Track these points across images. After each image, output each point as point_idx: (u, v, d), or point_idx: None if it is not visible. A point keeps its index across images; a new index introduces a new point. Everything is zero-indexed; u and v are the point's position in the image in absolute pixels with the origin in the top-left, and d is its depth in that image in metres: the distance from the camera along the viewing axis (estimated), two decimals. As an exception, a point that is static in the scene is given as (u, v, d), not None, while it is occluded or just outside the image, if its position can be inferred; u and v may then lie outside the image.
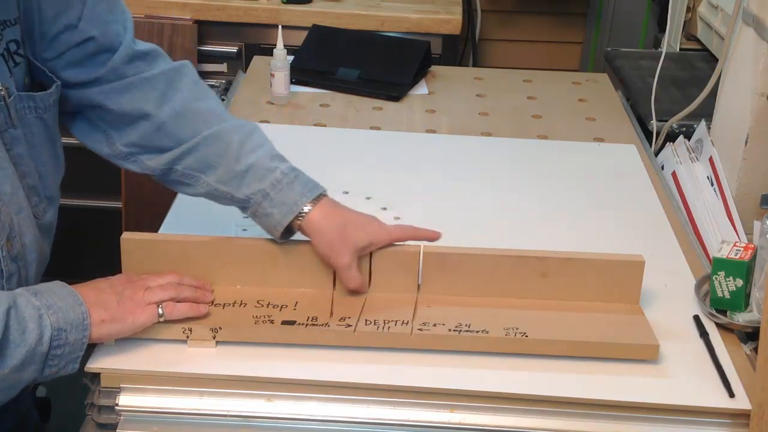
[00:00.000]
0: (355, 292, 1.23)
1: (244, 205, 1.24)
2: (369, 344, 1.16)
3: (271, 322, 1.17)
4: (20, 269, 1.18)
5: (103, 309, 1.10)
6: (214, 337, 1.15)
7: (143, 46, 1.29)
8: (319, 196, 1.22)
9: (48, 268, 1.29)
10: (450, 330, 1.17)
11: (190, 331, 1.15)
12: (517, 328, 1.17)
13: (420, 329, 1.17)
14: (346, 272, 1.21)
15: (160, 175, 1.27)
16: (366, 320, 1.18)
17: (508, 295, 1.24)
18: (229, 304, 1.21)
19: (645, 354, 1.16)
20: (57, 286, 1.10)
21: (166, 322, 1.14)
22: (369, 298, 1.23)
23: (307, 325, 1.17)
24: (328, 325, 1.17)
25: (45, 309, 1.05)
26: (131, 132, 1.25)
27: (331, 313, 1.19)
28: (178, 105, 1.25)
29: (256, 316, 1.18)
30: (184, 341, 1.15)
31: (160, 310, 1.13)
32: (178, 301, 1.15)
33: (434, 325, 1.18)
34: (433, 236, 1.26)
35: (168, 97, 1.25)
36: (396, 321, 1.18)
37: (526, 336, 1.16)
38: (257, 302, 1.21)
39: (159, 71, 1.27)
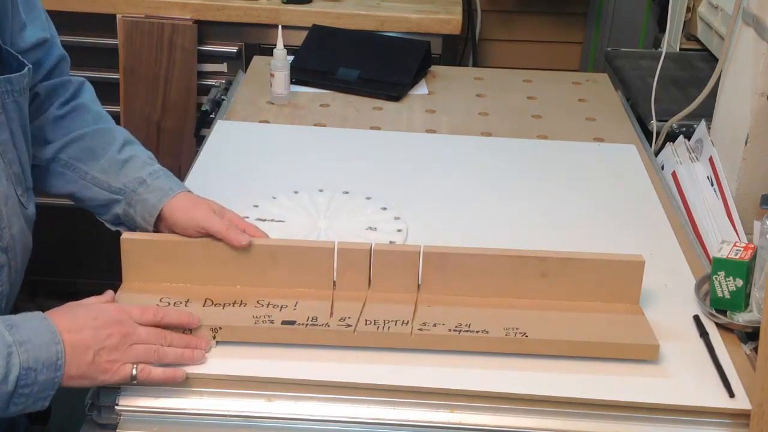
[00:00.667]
0: (236, 244, 1.22)
1: (117, 196, 1.28)
2: (369, 344, 1.16)
3: (271, 322, 1.17)
4: (10, 261, 1.18)
5: (74, 366, 1.04)
6: (214, 337, 1.15)
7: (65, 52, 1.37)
8: (188, 192, 1.30)
9: (48, 268, 1.30)
10: (450, 330, 1.17)
11: (190, 331, 1.15)
12: (517, 329, 1.17)
13: (420, 329, 1.17)
14: (210, 221, 1.22)
15: (44, 166, 1.31)
16: (366, 320, 1.18)
17: (508, 295, 1.24)
18: (229, 304, 1.21)
19: (645, 354, 1.16)
20: (36, 320, 1.05)
21: None
22: (369, 298, 1.23)
23: (307, 325, 1.17)
24: (328, 325, 1.17)
25: (17, 345, 1.01)
26: (30, 128, 1.28)
27: (331, 313, 1.19)
28: (75, 104, 1.34)
29: (256, 316, 1.18)
30: (184, 341, 1.15)
31: (134, 372, 1.07)
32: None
33: (434, 325, 1.18)
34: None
35: (71, 99, 1.34)
36: (396, 321, 1.18)
37: (526, 336, 1.16)
38: (257, 302, 1.21)
39: (74, 78, 1.36)
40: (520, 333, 1.17)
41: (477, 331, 1.17)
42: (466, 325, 1.18)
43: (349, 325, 1.17)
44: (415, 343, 1.16)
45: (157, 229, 1.27)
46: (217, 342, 1.15)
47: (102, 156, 1.30)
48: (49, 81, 1.32)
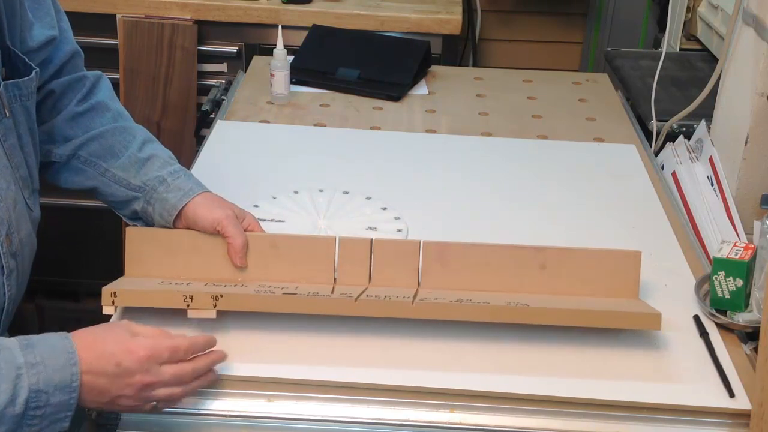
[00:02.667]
0: (237, 262, 1.24)
1: (136, 194, 1.28)
2: (370, 314, 1.16)
3: (272, 293, 1.17)
4: (18, 265, 1.18)
5: (92, 403, 1.03)
6: (214, 306, 1.15)
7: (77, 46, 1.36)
8: (208, 192, 1.30)
9: (48, 268, 1.30)
10: (452, 301, 1.17)
11: (191, 299, 1.14)
12: (518, 302, 1.18)
13: (422, 300, 1.17)
14: (230, 224, 1.23)
15: (63, 162, 1.31)
16: (367, 295, 1.18)
17: (507, 288, 1.25)
18: (231, 285, 1.21)
19: (648, 323, 1.17)
20: (57, 339, 1.02)
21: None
22: (370, 287, 1.23)
23: (308, 294, 1.17)
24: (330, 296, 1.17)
25: (27, 368, 0.98)
26: (46, 125, 1.30)
27: (333, 291, 1.20)
28: (94, 100, 1.33)
29: (257, 290, 1.19)
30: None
31: (155, 402, 1.06)
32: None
33: (435, 299, 1.18)
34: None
35: (90, 95, 1.34)
36: (398, 297, 1.18)
37: (528, 306, 1.16)
38: (259, 285, 1.22)
39: (90, 73, 1.36)
40: (521, 304, 1.17)
41: (478, 302, 1.17)
42: (467, 301, 1.18)
43: (351, 296, 1.17)
44: (417, 312, 1.16)
45: (175, 228, 1.28)
46: (218, 312, 1.15)
47: (122, 154, 1.31)
48: (64, 77, 1.32)
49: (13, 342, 1.00)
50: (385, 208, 1.51)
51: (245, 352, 1.15)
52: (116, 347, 1.03)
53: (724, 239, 1.47)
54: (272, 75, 1.93)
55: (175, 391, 1.06)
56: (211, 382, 1.10)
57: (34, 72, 1.20)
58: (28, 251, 1.21)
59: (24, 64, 1.19)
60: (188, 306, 1.14)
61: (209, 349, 1.09)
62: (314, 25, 2.25)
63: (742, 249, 1.26)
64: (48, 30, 1.25)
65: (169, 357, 1.05)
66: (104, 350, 1.02)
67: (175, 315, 1.16)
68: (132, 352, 1.02)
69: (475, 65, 2.94)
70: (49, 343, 1.01)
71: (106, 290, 1.15)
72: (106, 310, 1.15)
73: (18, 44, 1.20)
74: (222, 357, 1.11)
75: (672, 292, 1.32)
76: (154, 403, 1.06)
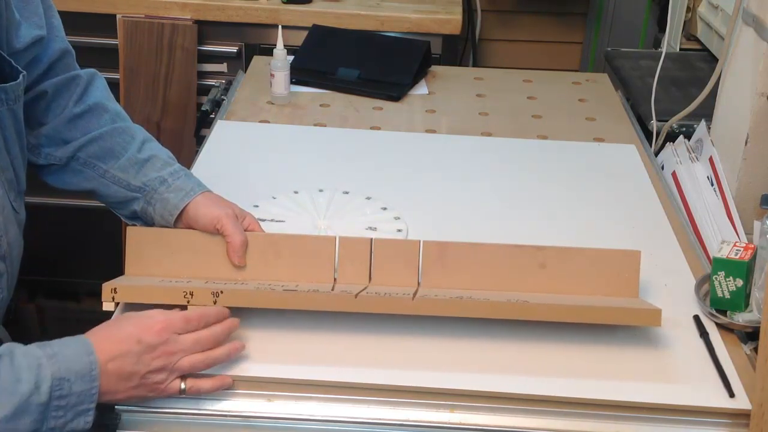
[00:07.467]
0: (235, 261, 1.25)
1: (136, 194, 1.28)
2: (370, 309, 1.17)
3: (273, 289, 1.18)
4: (8, 268, 1.18)
5: (122, 392, 1.05)
6: (214, 302, 1.15)
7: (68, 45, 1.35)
8: (209, 191, 1.30)
9: (48, 268, 1.30)
10: (452, 297, 1.17)
11: (191, 295, 1.14)
12: (518, 299, 1.18)
13: (422, 296, 1.17)
14: (230, 223, 1.23)
15: (62, 164, 1.31)
16: (368, 292, 1.18)
17: (507, 287, 1.25)
18: (231, 283, 1.21)
19: (648, 319, 1.17)
20: (71, 337, 1.04)
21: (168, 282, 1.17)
22: (370, 286, 1.23)
23: (308, 291, 1.17)
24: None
25: (46, 358, 1.00)
26: (44, 127, 1.29)
27: (333, 288, 1.21)
28: (91, 101, 1.32)
29: (258, 287, 1.19)
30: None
31: (183, 386, 1.08)
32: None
33: (436, 296, 1.18)
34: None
35: (85, 95, 1.33)
36: (398, 293, 1.18)
37: (528, 303, 1.17)
38: (259, 283, 1.22)
39: (83, 71, 1.35)
40: (521, 300, 1.17)
41: (479, 299, 1.17)
42: (468, 298, 1.18)
43: (350, 292, 1.17)
44: (417, 309, 1.16)
45: (175, 227, 1.28)
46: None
47: (122, 155, 1.31)
48: (57, 78, 1.31)
49: (30, 345, 1.02)
50: (385, 208, 1.51)
51: (245, 352, 1.15)
52: (133, 328, 1.06)
53: (724, 239, 1.47)
54: (272, 75, 1.93)
55: (198, 358, 1.08)
56: (235, 350, 1.11)
57: (21, 76, 1.18)
58: (16, 254, 1.21)
59: (10, 67, 1.18)
60: (188, 302, 1.15)
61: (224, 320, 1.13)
62: (314, 25, 2.25)
63: (742, 249, 1.26)
64: (35, 30, 1.23)
65: (184, 327, 1.08)
66: (122, 335, 1.05)
67: (175, 313, 1.17)
68: (149, 327, 1.06)
69: (475, 65, 2.94)
70: (63, 340, 1.04)
71: (107, 286, 1.16)
72: (106, 306, 1.15)
73: (4, 46, 1.18)
74: (236, 324, 1.13)
75: (672, 292, 1.32)
76: (182, 386, 1.07)
